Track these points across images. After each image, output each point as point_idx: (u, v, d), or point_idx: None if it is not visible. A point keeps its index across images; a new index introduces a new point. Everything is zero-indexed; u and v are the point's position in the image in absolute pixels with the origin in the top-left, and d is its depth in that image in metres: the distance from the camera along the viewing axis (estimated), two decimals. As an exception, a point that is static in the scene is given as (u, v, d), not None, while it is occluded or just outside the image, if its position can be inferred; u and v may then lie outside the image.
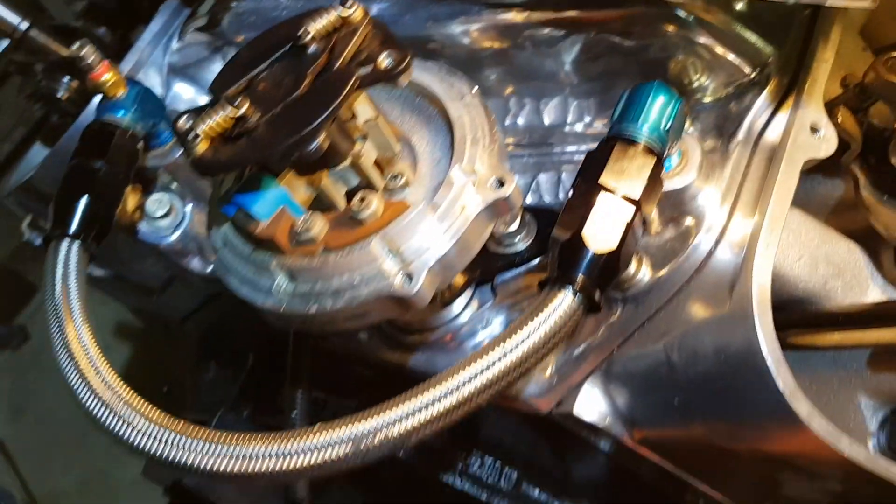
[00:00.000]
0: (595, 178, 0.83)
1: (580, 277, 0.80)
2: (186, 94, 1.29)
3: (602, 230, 0.81)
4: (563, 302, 0.79)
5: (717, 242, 0.98)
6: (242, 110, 0.77)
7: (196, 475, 0.80)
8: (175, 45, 1.30)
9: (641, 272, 0.98)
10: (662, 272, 0.98)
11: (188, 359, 1.92)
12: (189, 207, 1.25)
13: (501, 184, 0.86)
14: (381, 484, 1.42)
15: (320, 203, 0.89)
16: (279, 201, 0.84)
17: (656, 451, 1.06)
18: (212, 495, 1.39)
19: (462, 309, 1.12)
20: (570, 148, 1.20)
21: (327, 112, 0.75)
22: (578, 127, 1.21)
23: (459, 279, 1.09)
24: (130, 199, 1.23)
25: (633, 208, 0.83)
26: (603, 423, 1.04)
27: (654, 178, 0.85)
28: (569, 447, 1.28)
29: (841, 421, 0.88)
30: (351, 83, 0.77)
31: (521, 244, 1.08)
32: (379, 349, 1.16)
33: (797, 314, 0.99)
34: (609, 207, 0.82)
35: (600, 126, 1.19)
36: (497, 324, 1.12)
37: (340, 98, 0.76)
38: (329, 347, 1.25)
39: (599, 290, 0.81)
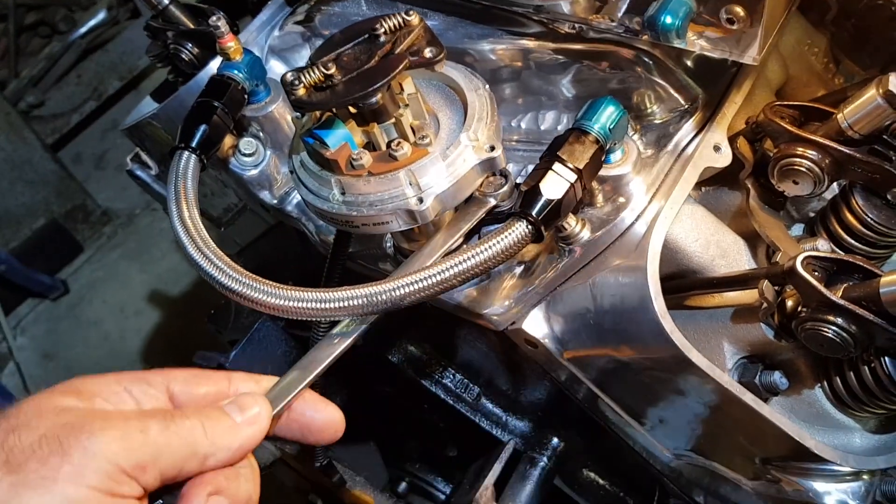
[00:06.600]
0: (556, 150, 1.24)
1: (533, 213, 1.21)
2: (278, 70, 1.73)
3: (554, 184, 1.22)
4: (519, 228, 1.20)
5: (637, 218, 1.38)
6: (331, 71, 1.20)
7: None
8: (277, 32, 1.75)
9: (584, 231, 1.39)
10: (598, 233, 1.38)
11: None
12: (269, 152, 1.68)
13: (493, 148, 1.28)
14: (374, 382, 1.83)
15: (368, 146, 1.32)
16: (344, 137, 1.26)
17: (576, 364, 1.46)
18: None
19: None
20: (556, 148, 1.62)
21: (386, 79, 1.17)
22: (565, 134, 1.63)
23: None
24: (227, 140, 1.66)
25: (575, 174, 1.23)
26: (543, 339, 1.45)
27: (595, 160, 1.26)
28: (522, 374, 1.68)
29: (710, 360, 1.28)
30: (403, 63, 1.19)
31: (507, 205, 1.49)
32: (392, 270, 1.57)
33: (689, 281, 1.40)
34: (561, 171, 1.23)
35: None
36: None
37: (395, 72, 1.18)
38: (353, 268, 1.67)
39: (544, 225, 1.22)
